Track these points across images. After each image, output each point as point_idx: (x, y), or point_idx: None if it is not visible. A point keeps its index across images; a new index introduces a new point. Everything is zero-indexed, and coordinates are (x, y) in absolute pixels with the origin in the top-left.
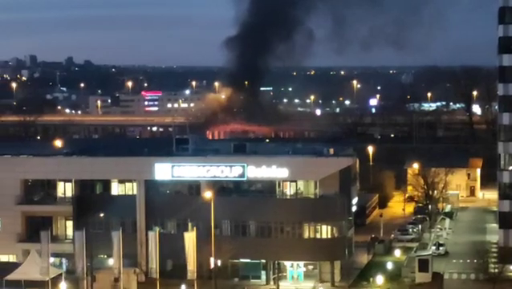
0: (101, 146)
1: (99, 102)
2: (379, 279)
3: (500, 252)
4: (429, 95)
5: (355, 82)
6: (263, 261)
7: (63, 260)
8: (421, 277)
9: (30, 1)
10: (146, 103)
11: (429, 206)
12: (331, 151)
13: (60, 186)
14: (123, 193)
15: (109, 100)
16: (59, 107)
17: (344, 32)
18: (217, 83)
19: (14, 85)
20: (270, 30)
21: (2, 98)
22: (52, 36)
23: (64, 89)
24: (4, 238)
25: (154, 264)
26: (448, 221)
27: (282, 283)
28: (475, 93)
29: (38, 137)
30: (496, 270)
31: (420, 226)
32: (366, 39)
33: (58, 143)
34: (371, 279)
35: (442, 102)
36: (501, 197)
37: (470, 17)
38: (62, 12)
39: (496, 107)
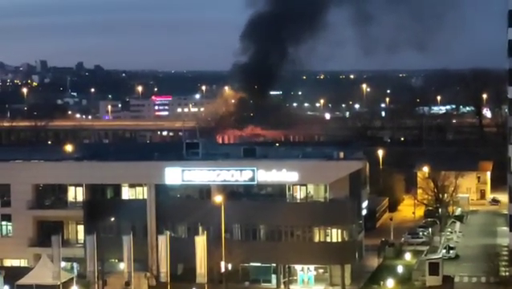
0: (111, 151)
1: (109, 107)
2: (390, 283)
3: (510, 255)
4: (439, 98)
5: (364, 86)
6: (274, 265)
7: (75, 264)
8: (432, 280)
9: (41, 6)
10: (156, 107)
11: (439, 210)
12: (341, 154)
13: (71, 191)
14: (134, 197)
15: (119, 105)
16: (70, 112)
17: (354, 36)
18: (226, 88)
19: (24, 90)
20: (281, 34)
21: (13, 103)
22: (62, 41)
23: (75, 94)
24: (15, 242)
25: (165, 268)
26: (458, 224)
27: (292, 287)
28: (485, 96)
29: (49, 142)
30: (507, 274)
31: (430, 230)
32: (376, 43)
33: (68, 148)
34: (381, 283)
35: (452, 105)
36: None
37: (480, 20)
38: (73, 17)
39: (506, 110)
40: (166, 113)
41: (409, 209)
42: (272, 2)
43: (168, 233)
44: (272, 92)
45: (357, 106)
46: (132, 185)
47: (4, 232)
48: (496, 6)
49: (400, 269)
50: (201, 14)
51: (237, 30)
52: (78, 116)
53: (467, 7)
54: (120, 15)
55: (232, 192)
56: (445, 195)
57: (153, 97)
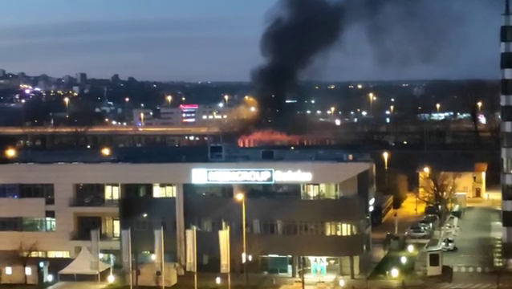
0: (144, 154)
1: (142, 114)
2: (395, 272)
3: (504, 247)
4: (438, 106)
5: (371, 95)
6: (289, 256)
7: (111, 256)
8: (432, 270)
9: (81, 25)
10: (184, 115)
11: (439, 206)
12: (350, 157)
13: (108, 190)
14: (164, 195)
15: (151, 113)
16: (107, 120)
17: (363, 50)
18: (247, 97)
19: (66, 100)
20: (298, 48)
21: (56, 111)
22: (100, 56)
23: (111, 103)
24: (58, 236)
25: (192, 259)
26: (456, 219)
27: (306, 276)
28: (480, 104)
29: (88, 146)
30: (500, 264)
31: (431, 225)
32: (382, 56)
33: (105, 151)
34: (387, 272)
35: (450, 112)
36: (505, 197)
37: (476, 35)
38: (109, 35)
39: (499, 116)
40: (193, 120)
41: (412, 206)
42: (290, 17)
43: (194, 227)
44: (288, 101)
45: (364, 113)
46: (162, 185)
47: (48, 227)
48: (490, 22)
49: (403, 260)
50: (224, 31)
51: (256, 45)
52: (114, 122)
53: (464, 23)
54: (152, 33)
55: (252, 190)
56: (444, 193)
57: (181, 106)
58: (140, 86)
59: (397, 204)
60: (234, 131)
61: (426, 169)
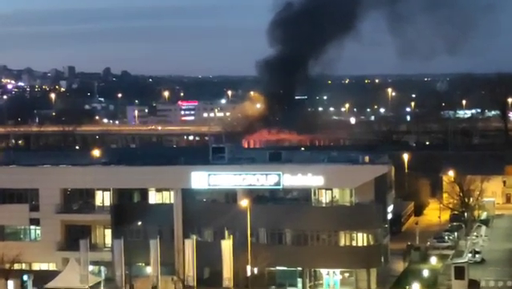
0: (138, 155)
1: (136, 112)
2: (416, 287)
3: None
4: (464, 102)
5: (389, 90)
6: (299, 269)
7: (102, 268)
8: (458, 284)
9: (68, 14)
10: (182, 112)
11: (465, 214)
12: (367, 159)
13: (98, 195)
14: (161, 201)
15: (146, 110)
16: (97, 117)
17: (380, 40)
18: (252, 92)
19: (53, 96)
20: (309, 39)
21: (42, 108)
22: (90, 47)
23: (102, 99)
24: (44, 246)
25: (191, 272)
26: (484, 228)
27: None
28: (510, 100)
29: (77, 147)
30: None
31: (456, 234)
32: (402, 47)
33: (96, 152)
34: (407, 287)
35: (477, 109)
36: None
37: (506, 23)
38: (100, 24)
39: None
40: (192, 118)
41: (435, 214)
42: (301, 2)
43: (194, 237)
44: (297, 96)
45: (382, 110)
46: (158, 190)
47: (33, 236)
48: None
49: (425, 273)
50: (227, 21)
51: (262, 35)
52: (105, 120)
53: (494, 10)
54: (147, 22)
55: (258, 196)
56: (471, 199)
57: (179, 102)
58: (135, 80)
59: (419, 211)
60: (238, 130)
61: (451, 173)
